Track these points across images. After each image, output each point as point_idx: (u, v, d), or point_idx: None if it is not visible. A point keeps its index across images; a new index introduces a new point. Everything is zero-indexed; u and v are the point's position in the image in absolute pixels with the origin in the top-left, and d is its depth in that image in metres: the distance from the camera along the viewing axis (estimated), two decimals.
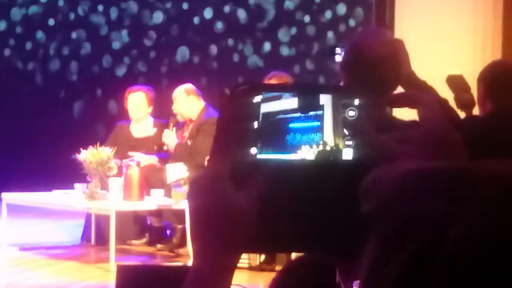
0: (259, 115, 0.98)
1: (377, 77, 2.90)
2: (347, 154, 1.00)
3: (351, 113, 1.00)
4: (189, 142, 8.07)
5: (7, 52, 13.49)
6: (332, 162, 1.00)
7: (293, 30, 12.13)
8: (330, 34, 11.85)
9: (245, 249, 0.99)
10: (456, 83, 4.44)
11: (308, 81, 11.11)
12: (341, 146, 1.00)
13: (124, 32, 13.01)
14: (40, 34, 13.36)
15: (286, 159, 0.99)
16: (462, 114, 4.25)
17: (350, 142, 1.00)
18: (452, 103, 4.11)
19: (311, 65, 11.95)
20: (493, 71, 4.15)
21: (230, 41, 12.42)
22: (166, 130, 8.22)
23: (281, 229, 0.98)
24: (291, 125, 1.00)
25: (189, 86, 8.36)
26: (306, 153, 1.00)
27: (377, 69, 2.95)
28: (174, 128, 8.25)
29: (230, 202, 0.95)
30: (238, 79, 11.98)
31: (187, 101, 8.21)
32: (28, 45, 13.40)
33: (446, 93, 3.61)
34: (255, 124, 0.98)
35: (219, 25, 12.47)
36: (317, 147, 1.00)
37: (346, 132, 1.00)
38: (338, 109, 1.01)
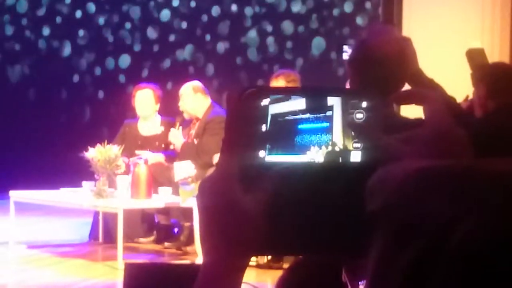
0: (267, 118, 0.98)
1: (384, 75, 2.91)
2: (356, 156, 1.00)
3: (359, 115, 1.00)
4: (195, 141, 8.06)
5: (15, 51, 13.52)
6: (340, 165, 1.00)
7: (300, 28, 12.12)
8: (337, 32, 11.85)
9: (253, 252, 0.99)
10: (476, 57, 4.46)
11: (315, 84, 11.09)
12: (350, 147, 1.00)
13: (128, 31, 13.02)
14: (46, 31, 13.38)
15: (294, 162, 0.99)
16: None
17: (358, 144, 1.00)
18: (460, 99, 4.10)
19: (317, 63, 11.93)
20: (494, 72, 4.17)
21: (235, 39, 12.41)
22: (172, 129, 8.21)
23: (289, 232, 0.97)
24: (300, 126, 1.00)
25: (196, 83, 8.33)
26: (315, 154, 0.99)
27: (384, 66, 2.95)
28: (181, 127, 8.24)
29: (239, 204, 0.95)
30: (243, 77, 11.98)
31: (194, 99, 8.19)
32: (37, 45, 13.42)
33: (453, 91, 3.59)
34: (263, 127, 0.98)
35: (226, 23, 12.47)
36: (326, 148, 1.00)
37: (353, 134, 1.00)
38: (347, 109, 1.00)
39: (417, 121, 1.76)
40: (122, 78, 12.86)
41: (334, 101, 1.00)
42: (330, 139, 1.00)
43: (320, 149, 1.00)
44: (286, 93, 1.00)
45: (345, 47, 7.47)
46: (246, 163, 0.96)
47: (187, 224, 7.89)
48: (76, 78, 13.21)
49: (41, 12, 13.42)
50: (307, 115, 1.00)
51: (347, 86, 6.80)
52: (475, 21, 6.68)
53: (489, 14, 6.67)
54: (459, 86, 4.41)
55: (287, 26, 12.20)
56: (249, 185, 0.95)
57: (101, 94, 13.01)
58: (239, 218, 0.95)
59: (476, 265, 0.70)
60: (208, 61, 12.50)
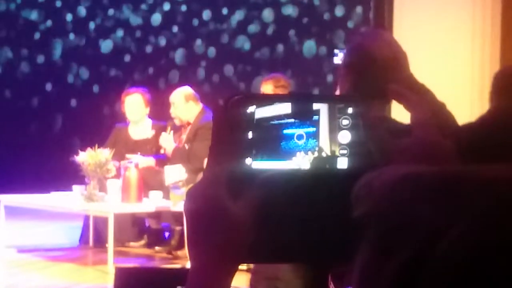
0: (253, 125, 0.97)
1: (383, 78, 2.91)
2: (342, 162, 0.99)
3: (345, 122, 0.99)
4: (186, 146, 8.07)
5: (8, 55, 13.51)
6: (327, 171, 0.99)
7: (292, 32, 12.13)
8: (328, 35, 11.86)
9: (241, 259, 0.98)
10: None
11: (303, 90, 11.09)
12: (336, 153, 0.99)
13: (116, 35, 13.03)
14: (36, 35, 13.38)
15: (281, 169, 0.98)
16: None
17: (345, 151, 0.99)
18: (450, 105, 4.09)
19: (309, 67, 11.94)
20: (495, 75, 4.17)
21: (228, 43, 12.42)
22: (163, 134, 8.22)
23: (276, 240, 0.97)
24: (286, 131, 0.99)
25: (188, 90, 8.35)
26: (301, 159, 0.99)
27: (384, 69, 2.95)
28: (172, 132, 8.25)
29: (227, 211, 0.95)
30: (235, 83, 11.99)
31: (186, 107, 8.21)
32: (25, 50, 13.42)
33: (444, 96, 3.59)
34: (250, 135, 0.97)
35: (218, 26, 12.48)
36: (313, 153, 0.99)
37: (340, 141, 0.99)
38: (334, 114, 1.00)
39: (407, 127, 1.76)
40: (108, 82, 12.88)
41: (320, 106, 1.00)
42: (317, 145, 0.99)
43: (306, 154, 0.99)
44: (272, 100, 0.99)
45: (336, 51, 7.49)
46: (233, 170, 0.96)
47: (178, 228, 7.89)
48: (69, 81, 13.20)
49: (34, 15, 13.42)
50: (293, 120, 0.99)
51: (338, 90, 6.81)
52: (466, 25, 6.69)
53: (479, 18, 6.68)
54: (450, 90, 4.42)
55: (277, 30, 12.20)
56: (236, 192, 0.95)
57: (94, 97, 13.00)
58: (227, 225, 0.95)
59: (463, 273, 0.70)
60: (198, 65, 12.50)
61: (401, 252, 0.73)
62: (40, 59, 13.37)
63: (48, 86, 13.26)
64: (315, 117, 1.00)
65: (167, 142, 8.17)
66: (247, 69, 12.23)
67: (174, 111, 8.25)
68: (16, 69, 13.45)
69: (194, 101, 8.25)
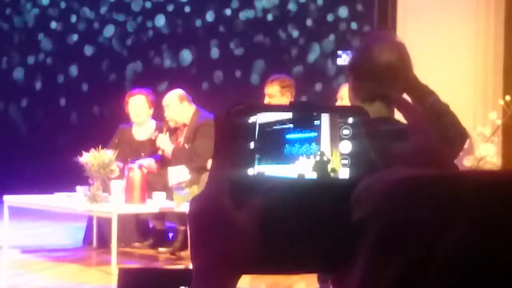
0: (256, 134, 0.98)
1: (388, 80, 2.93)
2: (344, 173, 0.99)
3: (346, 131, 1.00)
4: (186, 146, 8.08)
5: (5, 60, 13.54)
6: (331, 181, 1.00)
7: (295, 33, 12.14)
8: (332, 36, 11.86)
9: (244, 269, 0.99)
10: None
11: (303, 101, 11.06)
12: (338, 158, 0.99)
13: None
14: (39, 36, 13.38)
15: (284, 178, 0.99)
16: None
17: (346, 161, 0.99)
18: (453, 106, 4.09)
19: (312, 68, 11.95)
20: None
21: (232, 44, 12.42)
22: (160, 135, 8.24)
23: (280, 250, 0.97)
24: (288, 136, 1.00)
25: (180, 92, 8.40)
26: (304, 163, 0.99)
27: (388, 72, 2.97)
28: (168, 133, 8.26)
29: (230, 220, 0.95)
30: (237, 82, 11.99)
31: (181, 108, 8.25)
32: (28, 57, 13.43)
33: (447, 97, 3.60)
34: (252, 144, 0.98)
35: (219, 28, 12.48)
36: (314, 158, 1.00)
37: (342, 151, 0.99)
38: (335, 122, 1.00)
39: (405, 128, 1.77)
40: (112, 78, 12.87)
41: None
42: (318, 149, 1.00)
43: (308, 158, 0.99)
44: (273, 110, 1.00)
45: (339, 52, 7.50)
46: (236, 180, 0.96)
47: (181, 229, 7.89)
48: (74, 80, 13.20)
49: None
50: (295, 126, 1.00)
51: (342, 90, 6.81)
52: (469, 25, 6.69)
53: (483, 18, 6.68)
54: (453, 91, 4.42)
55: (281, 32, 12.20)
56: (239, 201, 0.95)
57: (96, 98, 13.01)
58: (229, 233, 0.95)
59: (462, 275, 0.70)
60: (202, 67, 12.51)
61: (401, 255, 0.73)
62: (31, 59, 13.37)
63: (38, 85, 13.27)
64: (316, 122, 1.00)
65: (164, 143, 8.19)
66: (247, 71, 12.24)
67: (168, 114, 8.28)
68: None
69: (187, 102, 8.30)
